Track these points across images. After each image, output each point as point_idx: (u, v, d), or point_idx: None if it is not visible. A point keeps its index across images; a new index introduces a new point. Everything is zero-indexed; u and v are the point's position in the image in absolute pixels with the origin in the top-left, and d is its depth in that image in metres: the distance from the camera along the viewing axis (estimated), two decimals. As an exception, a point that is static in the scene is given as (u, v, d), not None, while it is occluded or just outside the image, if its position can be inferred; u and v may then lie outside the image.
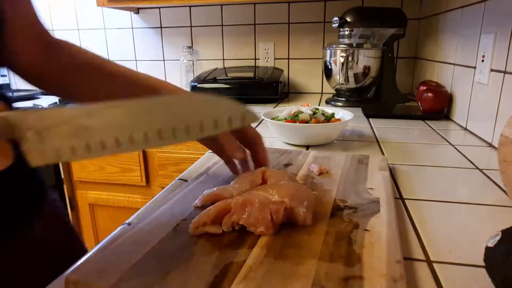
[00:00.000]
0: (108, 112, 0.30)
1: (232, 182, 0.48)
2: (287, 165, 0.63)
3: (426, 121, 1.05)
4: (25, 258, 0.47)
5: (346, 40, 1.29)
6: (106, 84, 0.52)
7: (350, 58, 1.27)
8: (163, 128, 0.30)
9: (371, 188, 0.52)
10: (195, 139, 0.32)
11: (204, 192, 0.47)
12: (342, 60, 1.26)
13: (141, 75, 0.53)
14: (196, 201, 0.47)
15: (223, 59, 1.76)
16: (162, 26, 1.77)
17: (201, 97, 0.32)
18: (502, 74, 0.77)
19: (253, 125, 1.02)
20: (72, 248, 0.55)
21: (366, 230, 0.40)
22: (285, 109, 0.87)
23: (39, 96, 1.74)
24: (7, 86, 2.02)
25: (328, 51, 1.34)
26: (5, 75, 2.01)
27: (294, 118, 0.82)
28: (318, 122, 0.80)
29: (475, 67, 0.91)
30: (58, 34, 0.68)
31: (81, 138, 0.29)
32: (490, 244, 0.33)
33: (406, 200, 0.53)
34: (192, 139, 0.32)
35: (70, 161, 0.32)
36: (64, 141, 0.29)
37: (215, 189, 0.47)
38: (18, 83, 2.02)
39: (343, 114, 0.86)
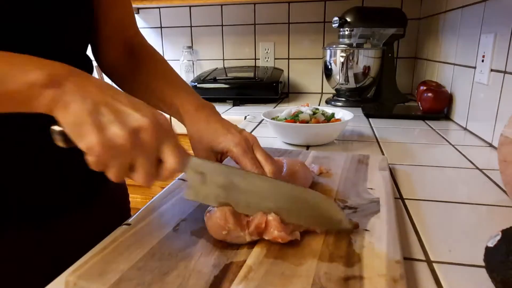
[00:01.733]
0: (255, 181, 0.39)
1: None
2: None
3: (426, 121, 1.05)
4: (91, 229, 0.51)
5: (346, 40, 1.29)
6: (155, 103, 0.56)
7: (350, 58, 1.27)
8: (284, 207, 0.39)
9: (371, 188, 0.52)
10: (305, 225, 0.40)
11: None
12: (342, 60, 1.26)
13: (184, 114, 0.52)
14: None
15: (223, 59, 1.76)
16: (162, 26, 1.77)
17: (321, 198, 0.39)
18: (502, 74, 0.77)
19: (253, 125, 1.02)
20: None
21: (366, 230, 0.40)
22: (285, 109, 0.87)
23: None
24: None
25: (328, 51, 1.34)
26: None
27: (294, 118, 0.82)
28: (318, 122, 0.80)
29: (475, 67, 0.91)
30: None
31: (226, 191, 0.38)
32: (490, 244, 0.33)
33: (406, 200, 0.53)
34: (301, 223, 0.40)
35: (210, 204, 0.39)
36: (213, 189, 0.38)
37: None
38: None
39: (343, 114, 0.86)
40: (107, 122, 0.31)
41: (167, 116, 0.37)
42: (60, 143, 0.34)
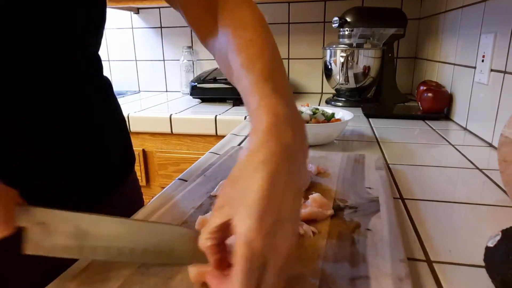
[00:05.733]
0: (110, 225, 0.34)
1: None
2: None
3: (426, 121, 1.05)
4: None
5: (346, 40, 1.29)
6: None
7: (350, 58, 1.27)
8: (147, 248, 0.34)
9: (370, 188, 0.52)
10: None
11: (221, 182, 0.49)
12: (342, 60, 1.26)
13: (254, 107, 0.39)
14: (215, 190, 0.50)
15: (223, 59, 1.75)
16: (162, 26, 1.77)
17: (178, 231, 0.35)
18: (502, 74, 0.78)
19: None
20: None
21: (368, 229, 0.40)
22: (285, 109, 0.87)
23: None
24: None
25: (328, 51, 1.34)
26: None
27: (294, 118, 0.82)
28: (318, 122, 0.80)
29: (475, 67, 0.91)
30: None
31: (77, 240, 0.33)
32: (490, 244, 0.33)
33: (406, 200, 0.53)
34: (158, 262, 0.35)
35: (59, 257, 0.33)
36: (61, 240, 0.33)
37: None
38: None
39: (343, 114, 0.87)
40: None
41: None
42: None
